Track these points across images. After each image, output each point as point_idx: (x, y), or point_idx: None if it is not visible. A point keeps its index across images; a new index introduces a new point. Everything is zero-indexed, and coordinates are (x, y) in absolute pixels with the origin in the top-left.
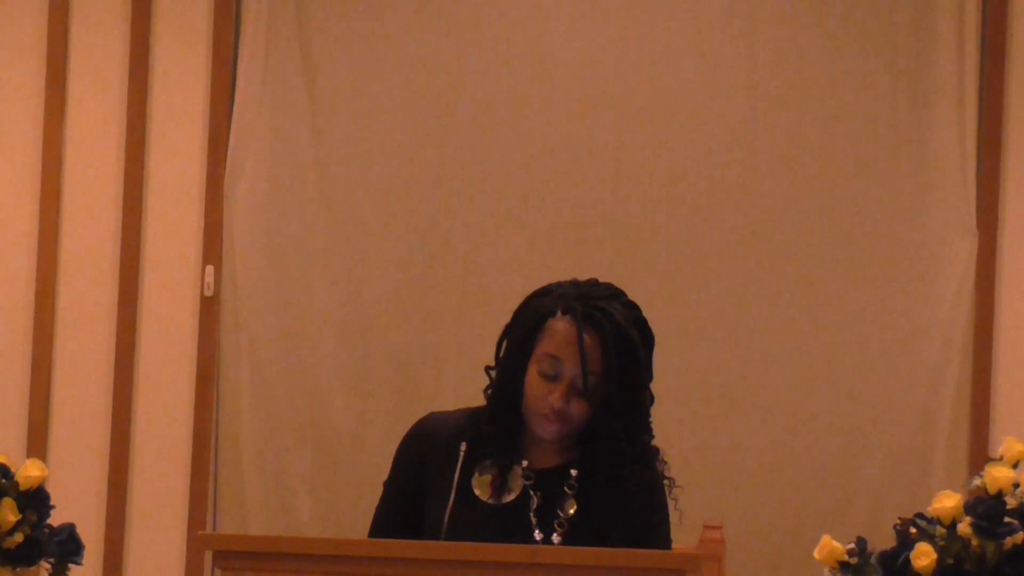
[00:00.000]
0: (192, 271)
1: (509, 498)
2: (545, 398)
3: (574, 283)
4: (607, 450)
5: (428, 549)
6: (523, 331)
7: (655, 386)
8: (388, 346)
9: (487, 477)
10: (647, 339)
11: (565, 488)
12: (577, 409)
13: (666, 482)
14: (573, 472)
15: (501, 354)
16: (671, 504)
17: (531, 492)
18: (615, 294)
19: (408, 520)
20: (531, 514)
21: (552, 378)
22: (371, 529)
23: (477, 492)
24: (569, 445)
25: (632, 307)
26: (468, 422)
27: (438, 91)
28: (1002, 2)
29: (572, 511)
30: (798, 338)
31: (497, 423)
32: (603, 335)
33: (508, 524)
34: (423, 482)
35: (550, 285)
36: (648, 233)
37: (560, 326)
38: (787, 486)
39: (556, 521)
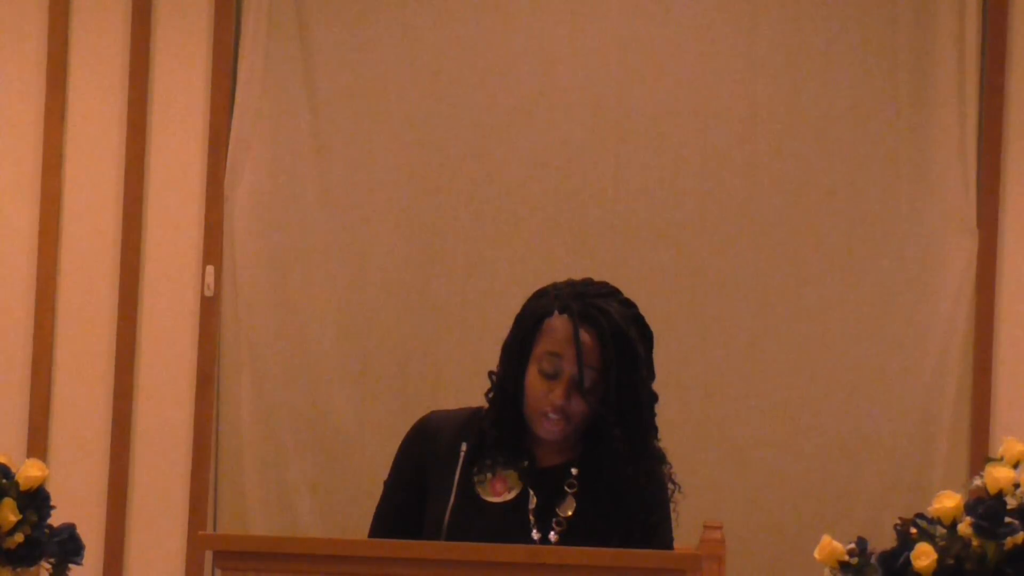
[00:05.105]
0: (192, 271)
1: (509, 496)
2: (546, 397)
3: (570, 283)
4: (608, 449)
5: (428, 549)
6: (521, 333)
7: (656, 385)
8: (388, 346)
9: (487, 475)
10: (645, 336)
11: (565, 487)
12: (577, 407)
13: (671, 487)
14: (573, 471)
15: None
16: (672, 508)
17: (530, 491)
18: (611, 292)
19: (408, 519)
20: (529, 513)
21: (552, 376)
22: (372, 528)
23: (478, 490)
24: (571, 444)
25: (629, 305)
26: (470, 421)
27: (438, 90)
28: (1003, 2)
29: (571, 511)
30: (798, 337)
31: (501, 426)
32: (600, 332)
33: (506, 522)
34: (424, 481)
35: (547, 287)
36: (648, 232)
37: (557, 324)
38: (787, 486)
39: (554, 520)
